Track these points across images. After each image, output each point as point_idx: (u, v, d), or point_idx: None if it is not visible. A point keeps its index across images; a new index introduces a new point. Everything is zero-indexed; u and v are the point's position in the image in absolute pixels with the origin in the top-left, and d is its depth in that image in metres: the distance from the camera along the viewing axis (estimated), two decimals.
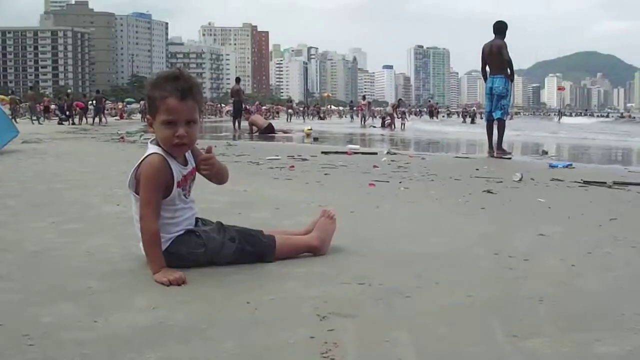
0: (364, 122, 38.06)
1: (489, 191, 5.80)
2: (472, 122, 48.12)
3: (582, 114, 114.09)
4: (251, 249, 2.90)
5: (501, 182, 6.62)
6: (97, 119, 34.59)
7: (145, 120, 3.04)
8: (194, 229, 2.87)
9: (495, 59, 11.69)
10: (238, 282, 2.61)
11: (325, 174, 7.26)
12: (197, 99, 2.79)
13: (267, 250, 2.93)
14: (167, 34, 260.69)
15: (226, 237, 2.87)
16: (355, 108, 53.21)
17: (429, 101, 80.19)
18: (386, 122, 33.27)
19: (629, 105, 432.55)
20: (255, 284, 2.59)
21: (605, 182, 6.56)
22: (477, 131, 22.35)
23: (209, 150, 2.93)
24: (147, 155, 2.77)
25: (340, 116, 67.08)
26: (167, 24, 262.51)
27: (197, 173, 2.96)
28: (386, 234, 3.73)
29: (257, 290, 2.48)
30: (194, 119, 2.78)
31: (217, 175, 3.02)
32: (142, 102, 49.78)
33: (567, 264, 3.00)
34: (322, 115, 62.18)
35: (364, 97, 47.43)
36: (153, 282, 2.56)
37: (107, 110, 52.77)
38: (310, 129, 22.83)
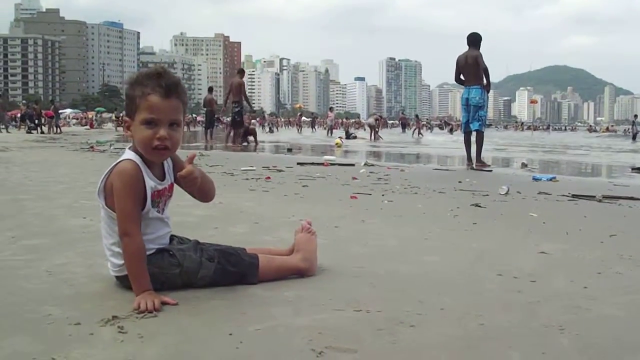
0: (331, 133, 37.85)
1: (477, 205, 5.54)
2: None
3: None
4: (232, 268, 2.59)
5: (487, 195, 6.38)
6: (57, 129, 34.06)
7: (122, 124, 2.66)
8: (168, 248, 2.55)
9: (471, 69, 11.53)
10: (218, 309, 2.30)
11: (304, 186, 6.97)
12: (182, 99, 2.48)
13: (249, 271, 2.62)
14: (138, 43, 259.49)
15: (204, 256, 2.56)
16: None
17: (402, 113, 79.08)
18: (353, 136, 33.59)
19: (598, 119, 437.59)
20: (238, 310, 2.28)
21: (594, 196, 6.33)
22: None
23: (190, 160, 2.52)
24: (120, 161, 2.44)
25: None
26: (138, 33, 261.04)
27: (174, 189, 2.63)
28: (376, 252, 3.44)
29: (240, 319, 2.18)
30: (178, 121, 2.46)
31: (201, 191, 2.65)
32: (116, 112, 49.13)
33: (578, 285, 2.74)
34: (270, 128, 57.95)
35: (331, 109, 47.05)
36: (121, 309, 2.23)
37: (78, 119, 52.02)
38: (341, 140, 24.09)
